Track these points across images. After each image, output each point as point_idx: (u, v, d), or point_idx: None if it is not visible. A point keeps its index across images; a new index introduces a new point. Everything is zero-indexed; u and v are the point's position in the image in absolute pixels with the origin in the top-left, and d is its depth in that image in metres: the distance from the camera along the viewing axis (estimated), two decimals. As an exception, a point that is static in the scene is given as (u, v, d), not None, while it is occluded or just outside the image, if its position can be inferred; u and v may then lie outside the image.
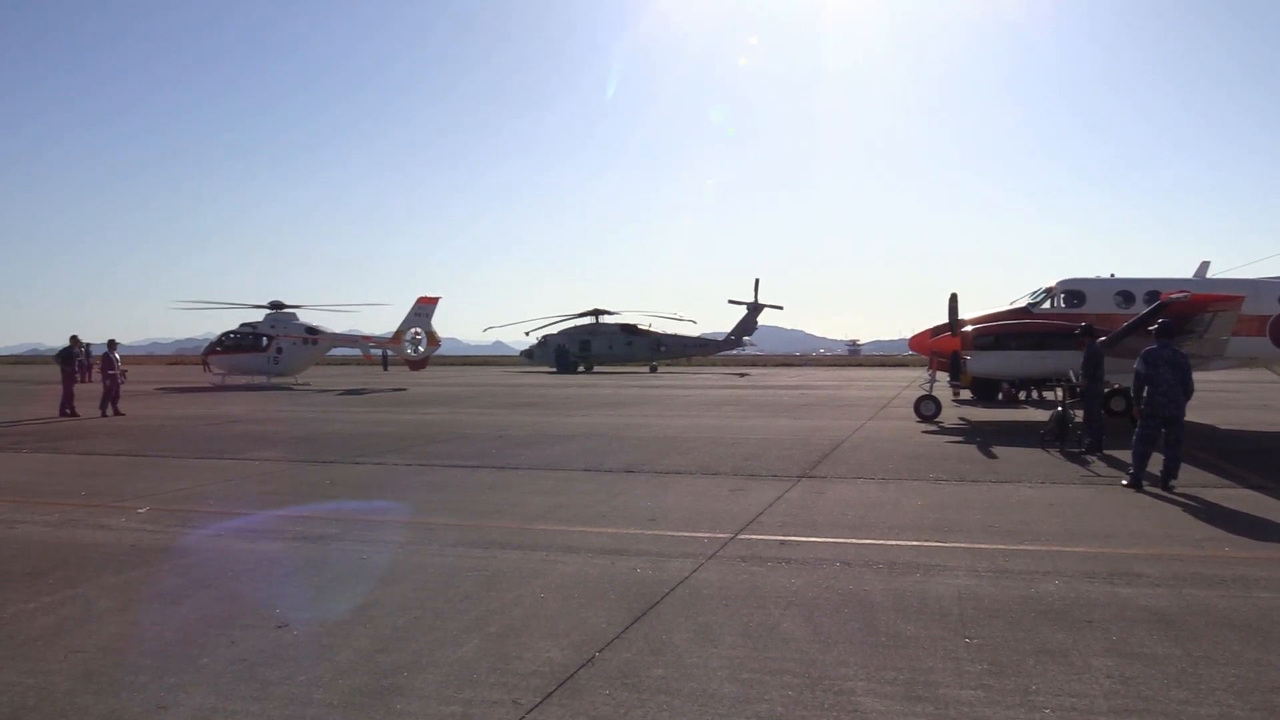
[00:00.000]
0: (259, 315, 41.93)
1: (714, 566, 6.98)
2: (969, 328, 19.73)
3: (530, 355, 65.98)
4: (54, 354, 25.34)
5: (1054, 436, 14.96)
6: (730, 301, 65.09)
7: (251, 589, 6.41)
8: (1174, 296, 16.03)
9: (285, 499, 10.20)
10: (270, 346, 40.79)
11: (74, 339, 25.16)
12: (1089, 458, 13.62)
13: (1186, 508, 9.48)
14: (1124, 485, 10.83)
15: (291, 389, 38.13)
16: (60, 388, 23.81)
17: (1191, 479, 11.21)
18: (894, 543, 7.80)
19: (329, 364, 71.47)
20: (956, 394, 28.88)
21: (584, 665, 4.82)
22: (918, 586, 6.37)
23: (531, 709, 4.27)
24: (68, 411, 23.14)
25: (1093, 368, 14.85)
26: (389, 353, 42.64)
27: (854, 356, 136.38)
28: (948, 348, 20.39)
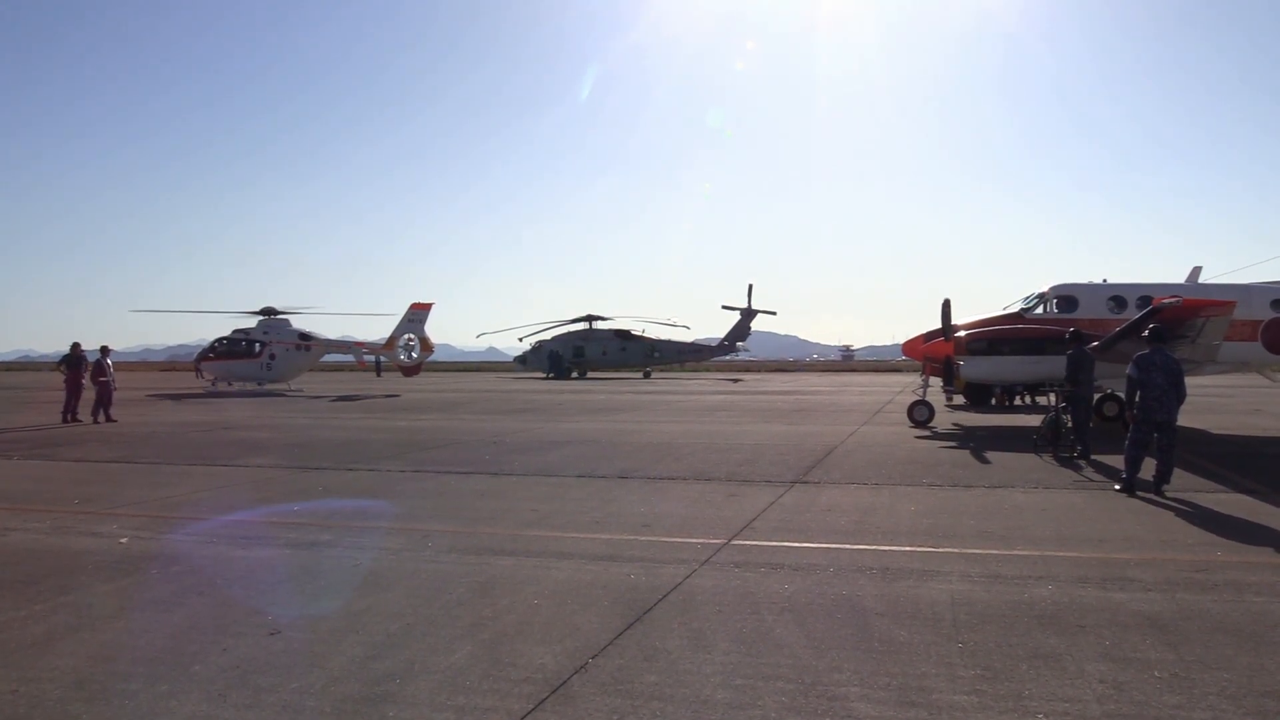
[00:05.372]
0: (252, 321, 41.89)
1: (707, 572, 6.97)
2: (962, 333, 19.78)
3: (524, 361, 65.97)
4: (54, 360, 25.14)
5: (1047, 441, 15.00)
6: (724, 307, 65.25)
7: (244, 596, 6.38)
8: (1166, 302, 16.09)
9: (278, 506, 10.16)
10: (263, 352, 40.74)
11: (75, 346, 25.09)
12: (1081, 463, 13.66)
13: (1179, 512, 9.50)
14: (1116, 490, 10.85)
15: (285, 395, 38.05)
16: (63, 394, 23.75)
17: (1184, 484, 11.24)
18: (887, 548, 7.80)
19: (322, 370, 71.36)
20: (950, 399, 28.95)
21: (577, 672, 4.82)
22: (911, 592, 6.38)
23: (524, 716, 4.26)
24: (70, 418, 23.05)
25: (1076, 372, 14.88)
26: (382, 359, 42.60)
27: (848, 362, 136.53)
28: (941, 353, 20.44)
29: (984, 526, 8.75)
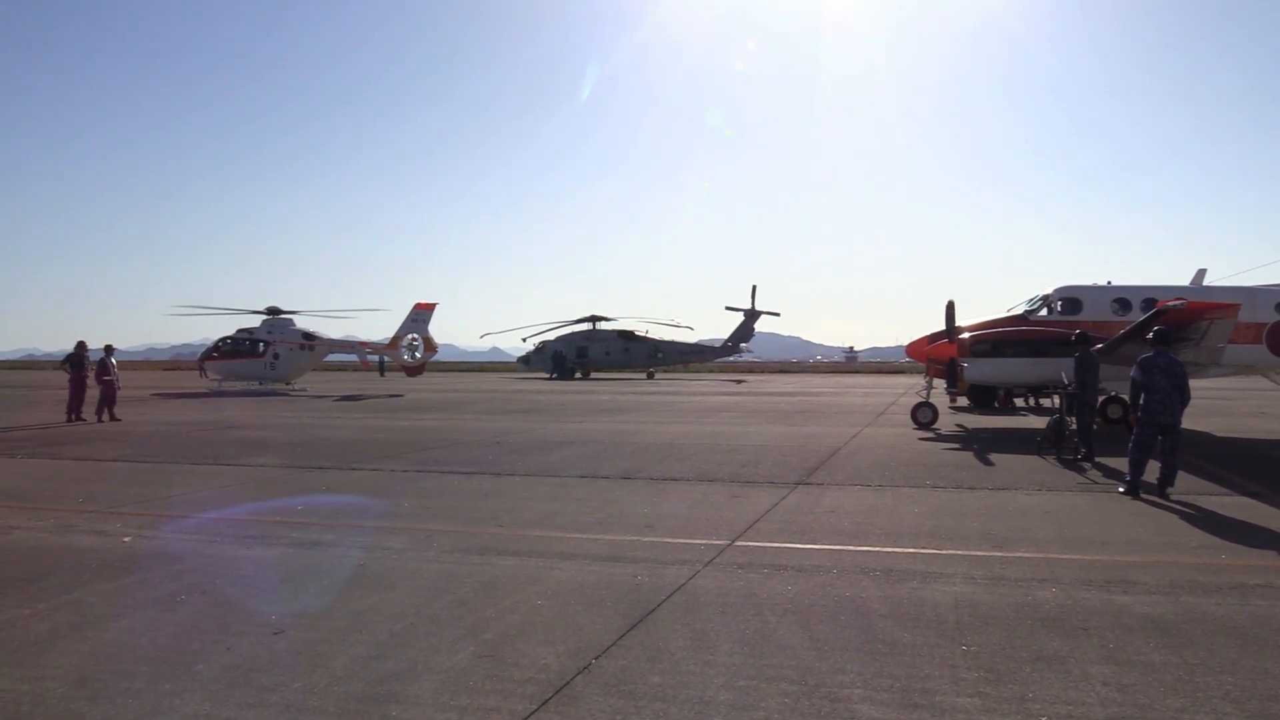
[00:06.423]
0: (256, 321, 42.01)
1: (710, 573, 6.97)
2: (966, 335, 19.75)
3: (527, 361, 66.03)
4: (58, 359, 25.27)
5: (1051, 444, 14.97)
6: (728, 308, 65.29)
7: (246, 595, 6.39)
8: (1171, 304, 16.06)
9: (281, 505, 10.18)
10: (267, 352, 40.84)
11: (80, 345, 25.15)
12: (1085, 465, 13.64)
13: (1183, 515, 9.49)
14: (1120, 493, 10.83)
15: (288, 394, 38.11)
16: (67, 392, 23.83)
17: (1188, 486, 11.22)
18: (891, 550, 7.79)
19: (325, 369, 71.49)
20: (953, 401, 28.92)
21: (580, 672, 4.81)
22: (914, 594, 6.37)
23: (527, 716, 4.25)
24: (74, 417, 23.10)
25: (1084, 375, 14.86)
26: (386, 359, 42.66)
27: (851, 363, 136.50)
28: (945, 355, 20.41)
29: (987, 528, 8.74)
